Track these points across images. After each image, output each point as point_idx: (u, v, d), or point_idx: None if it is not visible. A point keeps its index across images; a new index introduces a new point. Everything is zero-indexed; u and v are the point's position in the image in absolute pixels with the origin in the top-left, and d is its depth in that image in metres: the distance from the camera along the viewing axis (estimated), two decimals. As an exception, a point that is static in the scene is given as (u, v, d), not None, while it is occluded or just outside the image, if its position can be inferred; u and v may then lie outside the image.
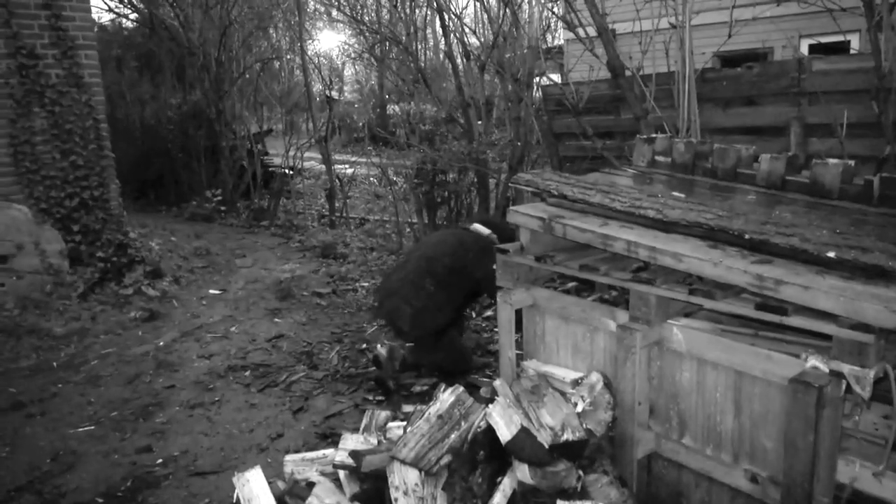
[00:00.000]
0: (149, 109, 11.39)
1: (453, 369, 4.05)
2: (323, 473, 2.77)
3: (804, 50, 9.83)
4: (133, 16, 12.16)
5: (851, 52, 7.73)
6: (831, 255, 1.96)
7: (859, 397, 1.94)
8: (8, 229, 5.45)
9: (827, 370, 1.94)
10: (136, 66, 11.99)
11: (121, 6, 11.95)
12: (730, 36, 4.64)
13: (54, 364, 4.65)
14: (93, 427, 3.74)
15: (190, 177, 11.03)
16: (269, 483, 2.73)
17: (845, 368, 1.89)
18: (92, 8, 6.29)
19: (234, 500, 2.68)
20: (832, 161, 2.70)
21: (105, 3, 18.54)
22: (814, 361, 1.98)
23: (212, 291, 6.32)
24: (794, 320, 1.99)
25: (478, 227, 4.21)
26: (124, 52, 12.12)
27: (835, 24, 4.38)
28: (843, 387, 1.94)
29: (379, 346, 4.20)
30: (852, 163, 2.70)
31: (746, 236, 2.13)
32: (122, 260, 6.23)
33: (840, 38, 7.21)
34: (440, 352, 4.03)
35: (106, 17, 17.21)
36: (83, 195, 6.05)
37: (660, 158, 3.31)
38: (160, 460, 3.37)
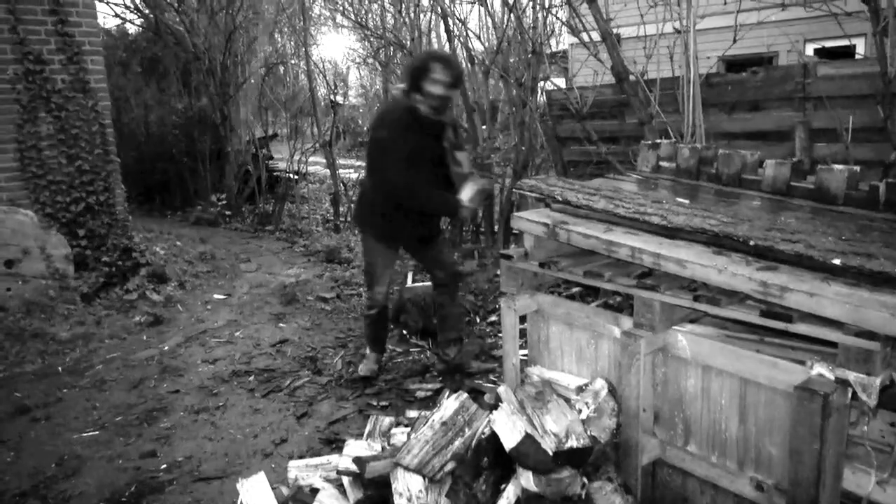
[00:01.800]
0: (154, 114, 11.45)
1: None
2: (327, 479, 2.77)
3: (809, 54, 9.82)
4: (139, 21, 12.22)
5: (857, 56, 7.72)
6: (837, 261, 1.95)
7: (865, 405, 1.93)
8: (14, 234, 5.48)
9: (833, 378, 1.93)
10: (142, 72, 12.04)
11: (126, 11, 12.02)
12: (735, 40, 4.63)
13: (59, 369, 4.66)
14: (97, 432, 3.74)
15: (195, 181, 11.07)
16: (273, 489, 2.73)
17: (851, 376, 1.88)
18: (98, 13, 6.32)
19: (238, 506, 2.68)
20: (837, 167, 2.69)
21: (111, 9, 18.59)
22: (819, 369, 1.97)
23: (216, 296, 6.33)
24: (800, 327, 1.98)
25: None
26: (129, 57, 12.17)
27: (840, 29, 4.38)
28: (849, 394, 1.93)
29: None
30: (858, 168, 2.70)
31: (751, 242, 2.13)
32: (127, 264, 6.25)
33: (845, 42, 7.20)
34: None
35: (111, 23, 17.28)
36: (89, 200, 6.07)
37: (664, 164, 3.31)
38: (164, 465, 3.37)
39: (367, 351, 4.33)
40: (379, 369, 4.30)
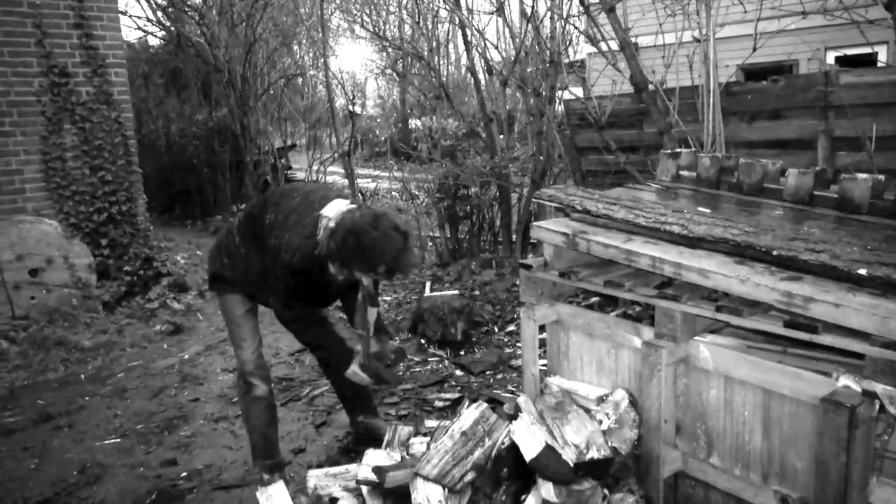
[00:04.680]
0: (175, 125, 11.61)
1: None
2: (346, 489, 2.77)
3: (830, 62, 9.73)
4: (160, 34, 12.41)
5: (879, 64, 7.64)
6: (862, 271, 1.93)
7: (892, 417, 1.89)
8: (38, 243, 5.56)
9: (859, 389, 1.90)
10: (163, 83, 12.23)
11: (149, 24, 12.21)
12: (755, 49, 4.60)
13: (82, 377, 4.72)
14: (119, 440, 3.78)
15: (215, 191, 11.19)
16: (293, 497, 2.74)
17: (878, 388, 1.85)
18: (121, 26, 6.43)
19: (258, 515, 2.69)
20: (861, 175, 2.66)
21: (134, 22, 18.92)
22: (845, 380, 1.94)
23: (236, 305, 6.36)
24: (825, 338, 1.95)
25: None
26: (151, 70, 12.37)
27: (862, 37, 4.33)
28: (877, 407, 1.90)
29: None
30: (882, 177, 2.66)
31: (774, 252, 2.10)
32: (148, 274, 6.33)
33: (867, 50, 7.14)
34: None
35: (134, 35, 17.57)
36: (111, 210, 6.16)
37: (684, 173, 3.29)
38: (185, 473, 3.39)
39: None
40: None
